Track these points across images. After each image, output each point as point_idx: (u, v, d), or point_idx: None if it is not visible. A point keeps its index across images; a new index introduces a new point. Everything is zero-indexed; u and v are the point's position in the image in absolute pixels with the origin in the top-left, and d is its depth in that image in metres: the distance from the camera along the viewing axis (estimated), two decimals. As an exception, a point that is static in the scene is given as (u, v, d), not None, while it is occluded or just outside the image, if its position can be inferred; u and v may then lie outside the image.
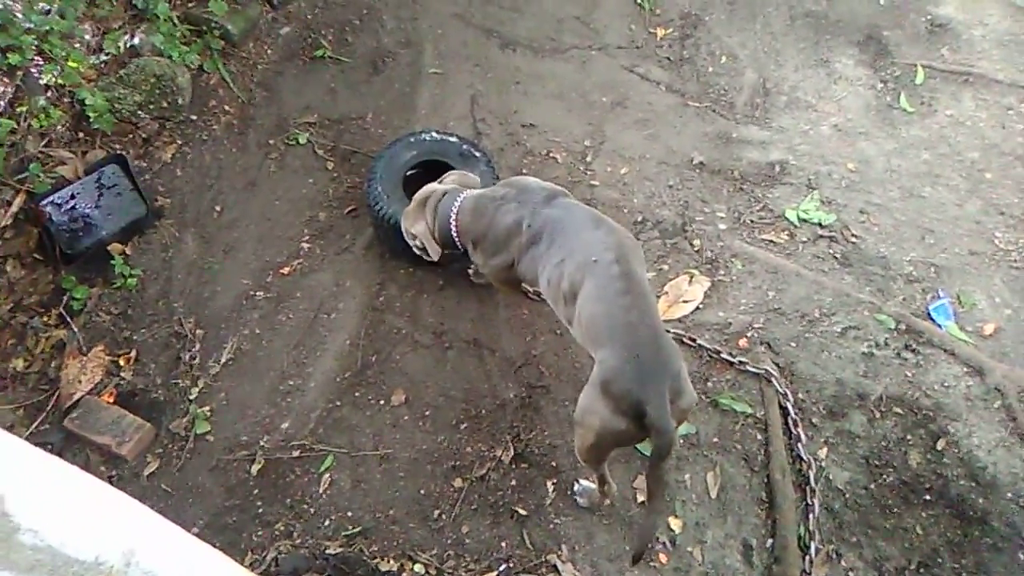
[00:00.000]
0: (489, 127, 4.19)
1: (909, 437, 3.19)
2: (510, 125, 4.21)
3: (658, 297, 3.54)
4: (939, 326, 3.49)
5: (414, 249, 3.28)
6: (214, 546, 2.05)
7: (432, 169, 3.55)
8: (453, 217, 3.02)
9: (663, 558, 2.90)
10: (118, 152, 3.91)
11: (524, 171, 3.95)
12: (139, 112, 4.08)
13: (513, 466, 3.11)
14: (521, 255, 2.80)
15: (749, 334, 3.45)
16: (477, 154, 3.62)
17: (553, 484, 3.06)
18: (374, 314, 3.54)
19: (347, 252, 3.74)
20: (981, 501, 3.03)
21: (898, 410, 3.26)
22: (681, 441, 3.12)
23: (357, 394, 3.31)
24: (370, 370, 3.37)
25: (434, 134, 3.70)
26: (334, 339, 3.45)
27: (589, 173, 4.02)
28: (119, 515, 1.63)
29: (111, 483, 3.10)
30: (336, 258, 3.72)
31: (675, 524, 2.97)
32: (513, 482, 3.08)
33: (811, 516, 2.96)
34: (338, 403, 3.29)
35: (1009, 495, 3.05)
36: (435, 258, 3.18)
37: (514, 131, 4.18)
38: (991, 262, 3.74)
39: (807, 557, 2.87)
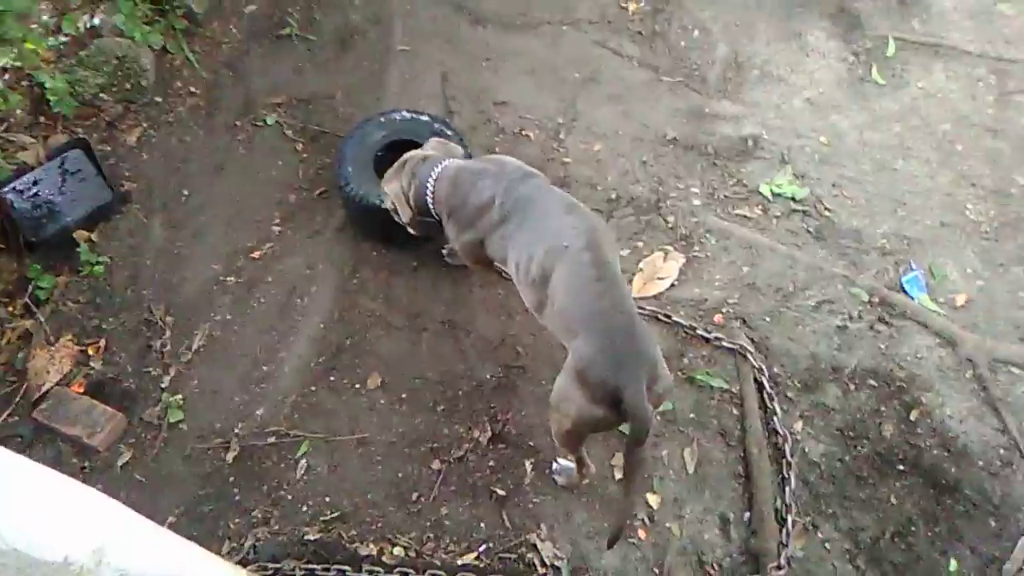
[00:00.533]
0: (460, 105, 4.14)
1: (883, 409, 3.23)
2: (482, 103, 4.16)
3: (633, 274, 3.54)
4: (912, 298, 3.52)
5: (391, 214, 3.23)
6: (191, 536, 2.03)
7: (403, 149, 3.50)
8: (431, 184, 2.97)
9: (642, 534, 2.91)
10: (81, 136, 3.82)
11: (497, 150, 3.91)
12: (102, 95, 3.98)
13: (491, 447, 3.10)
14: (491, 233, 2.77)
15: (724, 310, 3.46)
16: (449, 133, 3.57)
17: (531, 464, 3.06)
18: (347, 297, 3.50)
19: (318, 235, 3.69)
20: (953, 470, 3.08)
21: (872, 382, 3.29)
22: (658, 417, 3.12)
23: (332, 378, 3.28)
24: (345, 354, 3.34)
25: (405, 113, 3.64)
26: (307, 323, 3.42)
27: (562, 151, 3.98)
28: (88, 512, 1.60)
29: (83, 474, 3.06)
30: (307, 241, 3.67)
31: (653, 500, 2.99)
32: (491, 463, 3.07)
33: (787, 489, 2.99)
34: (313, 388, 3.25)
35: (980, 463, 3.10)
36: (405, 220, 3.14)
37: (486, 109, 4.13)
38: (962, 234, 3.78)
39: (784, 530, 2.90)
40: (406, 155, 3.15)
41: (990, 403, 3.23)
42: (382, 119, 3.62)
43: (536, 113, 4.14)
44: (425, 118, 3.62)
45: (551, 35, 4.54)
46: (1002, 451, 3.11)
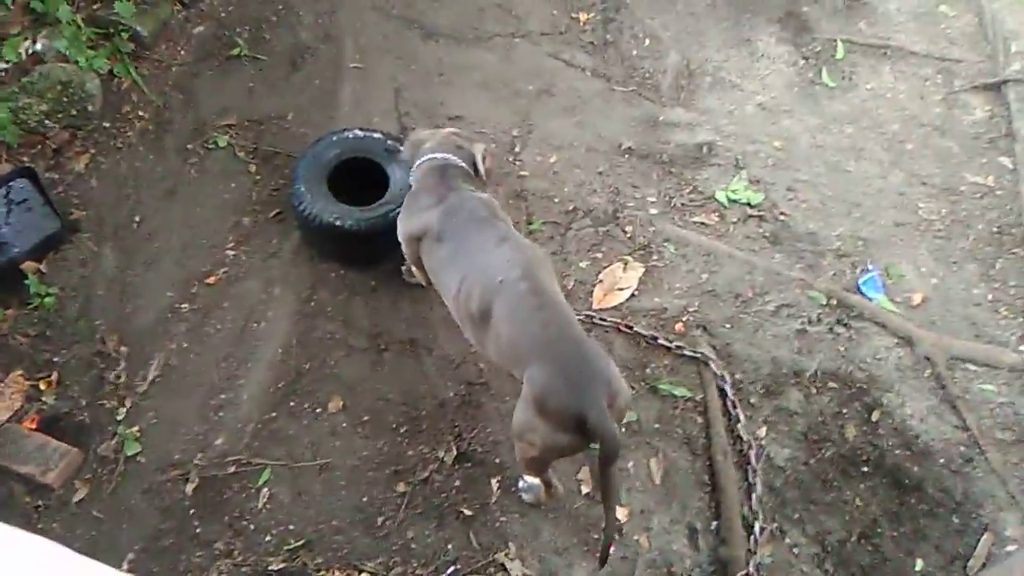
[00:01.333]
0: (414, 121, 4.11)
1: (845, 411, 3.25)
2: (436, 118, 4.14)
3: (593, 286, 3.53)
4: (869, 299, 3.56)
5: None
6: (151, 573, 1.96)
7: (357, 168, 3.50)
8: (420, 161, 2.98)
9: (610, 548, 2.89)
10: (26, 165, 3.73)
11: (452, 165, 3.89)
12: (47, 122, 3.89)
13: (456, 466, 3.07)
14: (428, 251, 2.79)
15: (685, 318, 3.47)
16: (402, 149, 3.54)
17: (497, 482, 3.03)
18: (306, 320, 3.45)
19: (274, 257, 3.63)
20: (916, 469, 3.10)
21: (833, 385, 3.31)
22: (622, 430, 3.11)
23: (292, 403, 3.23)
24: (305, 378, 3.29)
25: (357, 131, 3.61)
26: (265, 348, 3.36)
27: (518, 164, 3.97)
28: (32, 562, 1.54)
29: (37, 514, 2.98)
30: (263, 264, 3.62)
31: (621, 512, 2.96)
32: (457, 482, 3.04)
33: (753, 496, 2.99)
34: (273, 414, 3.20)
35: (942, 461, 3.13)
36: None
37: (440, 124, 4.09)
38: (916, 232, 3.83)
39: (752, 537, 2.90)
40: (452, 129, 3.15)
41: (949, 401, 3.27)
42: (335, 138, 3.58)
43: (491, 127, 4.13)
44: (378, 135, 3.60)
45: (504, 48, 4.54)
46: (962, 448, 3.15)
